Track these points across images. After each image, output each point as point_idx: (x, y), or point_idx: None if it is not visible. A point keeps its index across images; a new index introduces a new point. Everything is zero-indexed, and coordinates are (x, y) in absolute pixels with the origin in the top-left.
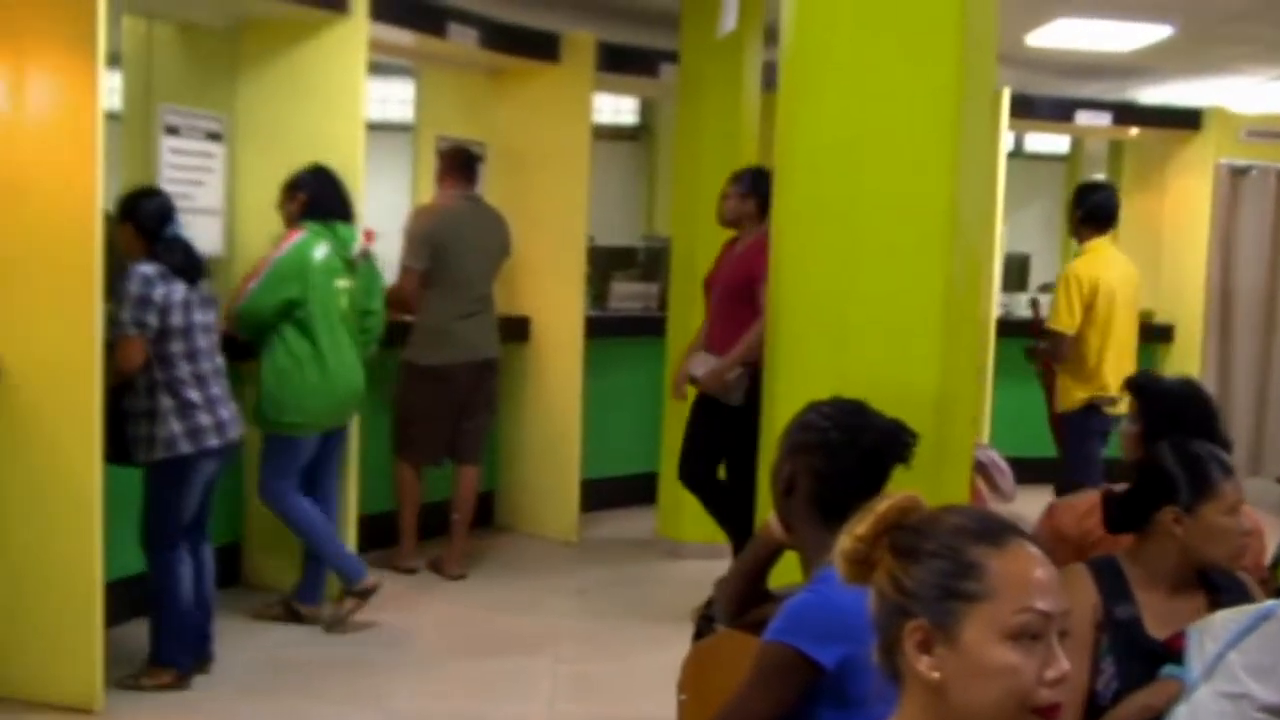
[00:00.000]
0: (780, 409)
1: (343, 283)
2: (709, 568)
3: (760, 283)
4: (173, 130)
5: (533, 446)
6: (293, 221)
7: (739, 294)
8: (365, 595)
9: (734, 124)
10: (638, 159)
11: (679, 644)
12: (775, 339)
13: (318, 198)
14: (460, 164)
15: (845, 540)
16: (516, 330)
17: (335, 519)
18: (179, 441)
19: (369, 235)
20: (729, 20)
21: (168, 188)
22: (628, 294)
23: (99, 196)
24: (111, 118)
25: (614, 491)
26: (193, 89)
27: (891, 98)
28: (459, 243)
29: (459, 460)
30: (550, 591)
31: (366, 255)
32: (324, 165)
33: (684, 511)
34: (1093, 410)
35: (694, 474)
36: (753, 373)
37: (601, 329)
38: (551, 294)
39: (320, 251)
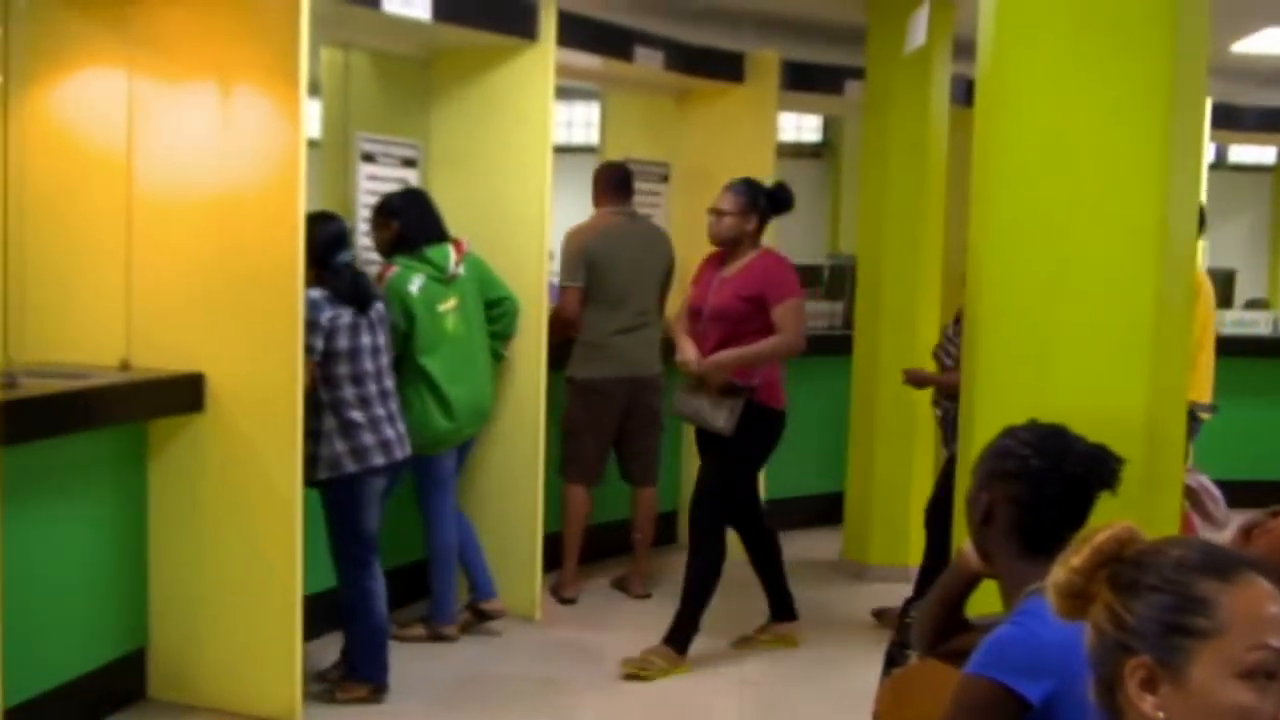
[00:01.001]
0: (978, 434)
1: (446, 305)
2: (895, 590)
3: (776, 304)
4: (369, 157)
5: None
6: (385, 249)
7: (740, 318)
8: (436, 637)
9: (921, 140)
10: (821, 176)
11: (866, 666)
12: (973, 362)
13: (409, 227)
14: (614, 181)
15: (1060, 573)
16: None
17: (469, 526)
18: (343, 461)
19: (460, 246)
20: (918, 35)
21: (364, 213)
22: (812, 313)
23: (301, 222)
24: (311, 145)
25: (799, 512)
26: (388, 117)
27: (1098, 109)
28: (614, 259)
29: (634, 482)
30: (736, 612)
31: (462, 262)
32: (418, 189)
33: (870, 534)
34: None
35: (707, 517)
36: (747, 403)
37: None
38: None
39: (415, 285)
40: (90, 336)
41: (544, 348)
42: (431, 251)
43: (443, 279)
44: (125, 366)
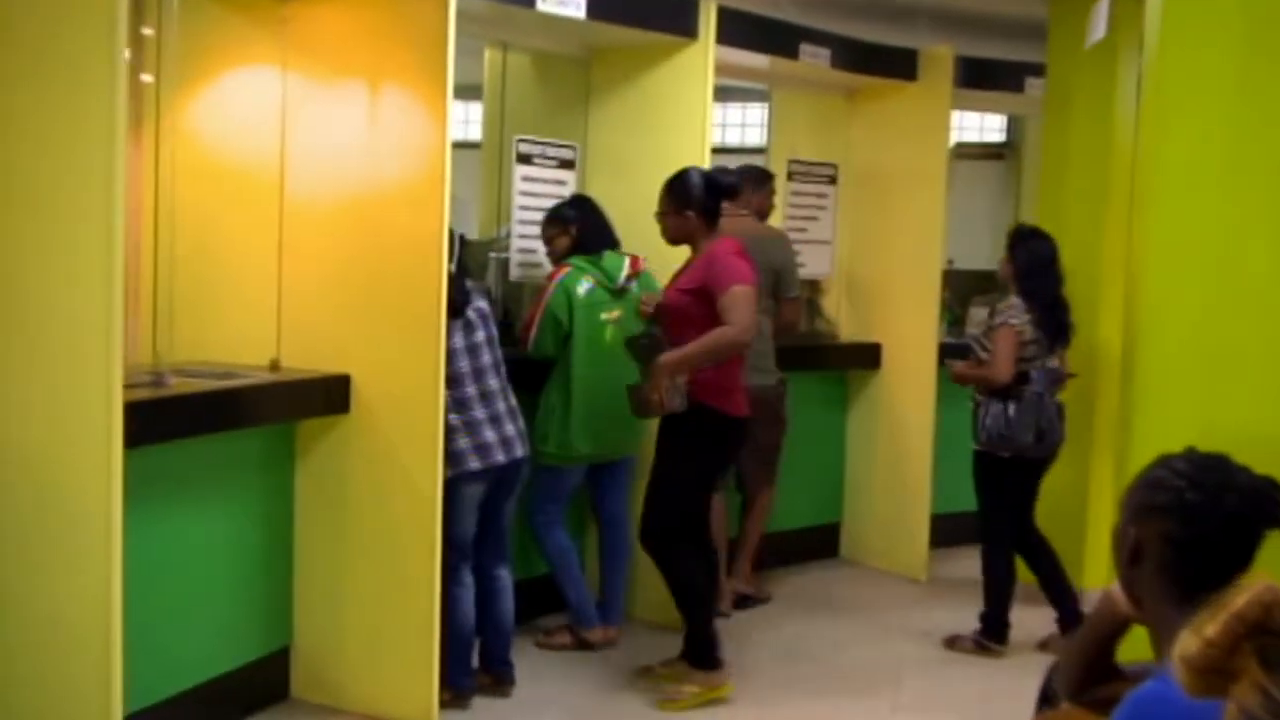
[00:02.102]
0: (1134, 460)
1: (610, 314)
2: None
3: (721, 294)
4: (525, 159)
5: (881, 477)
6: (560, 256)
7: (683, 315)
8: (581, 644)
9: (1105, 139)
10: (1004, 178)
11: (1027, 697)
12: (1131, 381)
13: (586, 231)
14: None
15: (1191, 643)
16: (867, 357)
17: (625, 550)
18: (466, 458)
19: (636, 262)
20: (1099, 27)
21: (520, 214)
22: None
23: (446, 222)
24: (473, 147)
25: (967, 528)
26: (546, 118)
27: (1269, 113)
28: None
29: (744, 493)
30: (894, 631)
31: (636, 278)
32: (587, 196)
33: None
34: None
35: (656, 532)
36: (698, 407)
37: (957, 356)
38: (904, 320)
39: (584, 286)
40: (240, 337)
41: None
42: (606, 259)
43: (612, 288)
44: (275, 367)
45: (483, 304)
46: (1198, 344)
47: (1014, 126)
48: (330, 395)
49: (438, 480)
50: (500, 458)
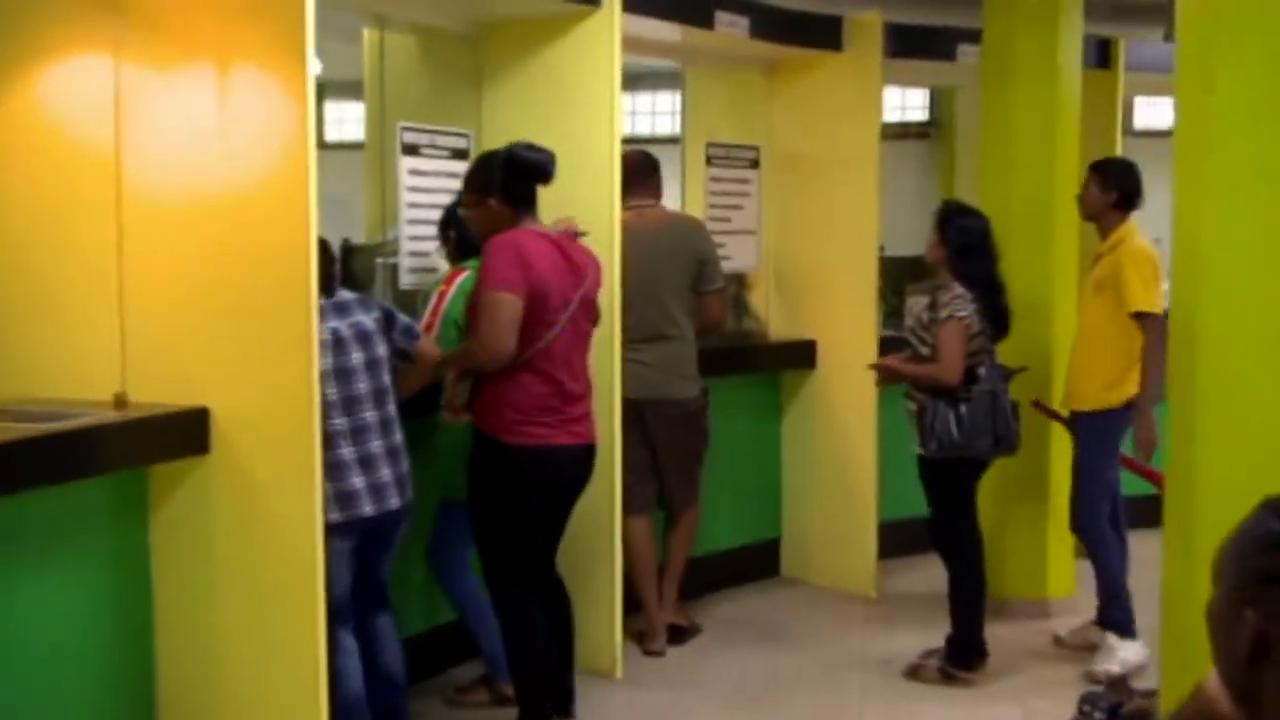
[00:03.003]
0: (1206, 483)
1: None
2: (1038, 630)
3: (478, 297)
4: (412, 149)
5: (822, 486)
6: (453, 260)
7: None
8: (498, 699)
9: (1050, 109)
10: (930, 158)
11: None
12: (1192, 385)
13: (468, 235)
14: (631, 171)
15: None
16: (800, 356)
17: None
18: (326, 508)
19: None
20: None
21: (410, 213)
22: None
23: (313, 224)
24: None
25: (916, 536)
26: (434, 104)
27: None
28: (626, 264)
29: (667, 511)
30: (849, 661)
31: None
32: None
33: (1004, 561)
34: None
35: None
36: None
37: (896, 351)
38: (840, 313)
39: None
40: (76, 368)
41: (616, 362)
42: None
43: None
44: (120, 403)
45: (363, 319)
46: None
47: (938, 103)
48: (187, 433)
49: (316, 530)
50: (367, 509)
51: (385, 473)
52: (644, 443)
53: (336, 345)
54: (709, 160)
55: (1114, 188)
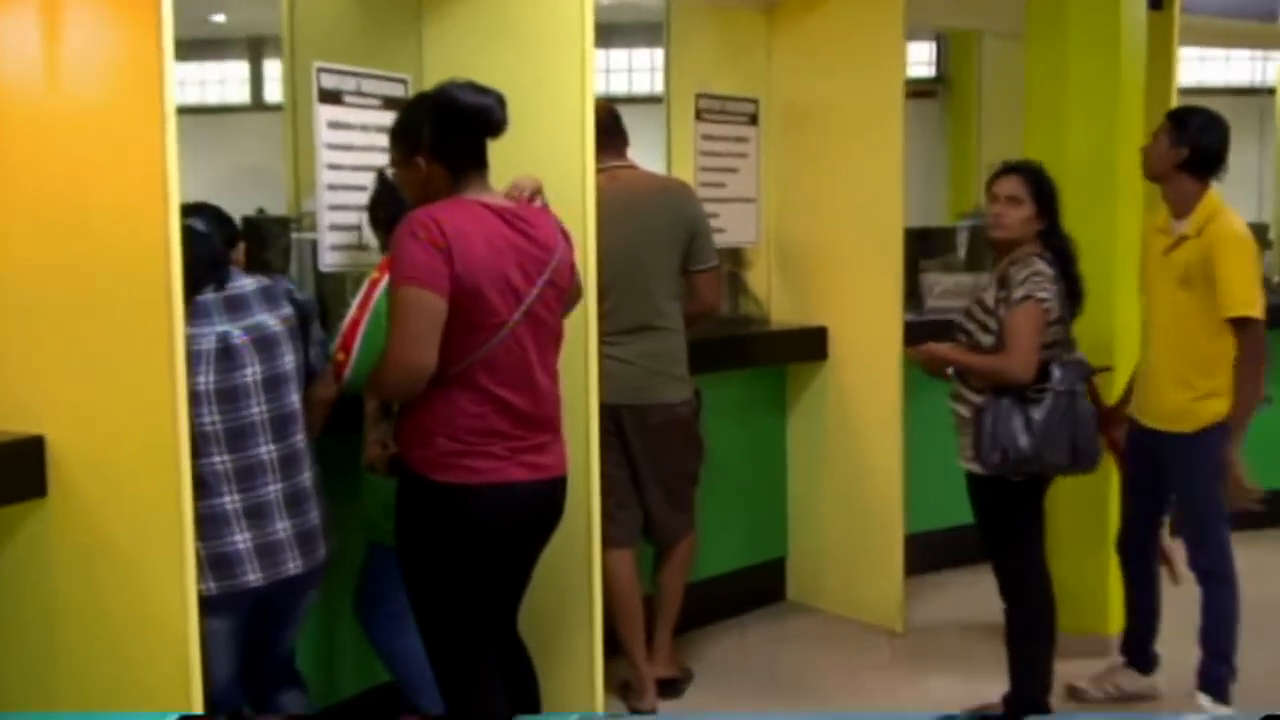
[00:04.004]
0: None
1: None
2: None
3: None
4: (332, 96)
5: (835, 497)
6: (388, 242)
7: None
8: None
9: (1111, 56)
10: (937, 118)
11: None
12: None
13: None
14: (599, 127)
15: None
16: (809, 345)
17: None
18: (201, 574)
19: None
20: None
21: (329, 176)
22: (948, 290)
23: (174, 197)
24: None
25: (944, 549)
26: (367, 41)
27: None
28: (601, 238)
29: (655, 542)
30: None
31: None
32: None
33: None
34: None
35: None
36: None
37: (919, 338)
38: (856, 296)
39: None
40: None
41: (591, 361)
42: None
43: None
44: None
45: (265, 319)
46: None
47: (945, 57)
48: (16, 471)
49: (187, 605)
50: (253, 577)
51: (282, 527)
52: (624, 459)
53: (223, 356)
54: (699, 115)
55: (1187, 143)
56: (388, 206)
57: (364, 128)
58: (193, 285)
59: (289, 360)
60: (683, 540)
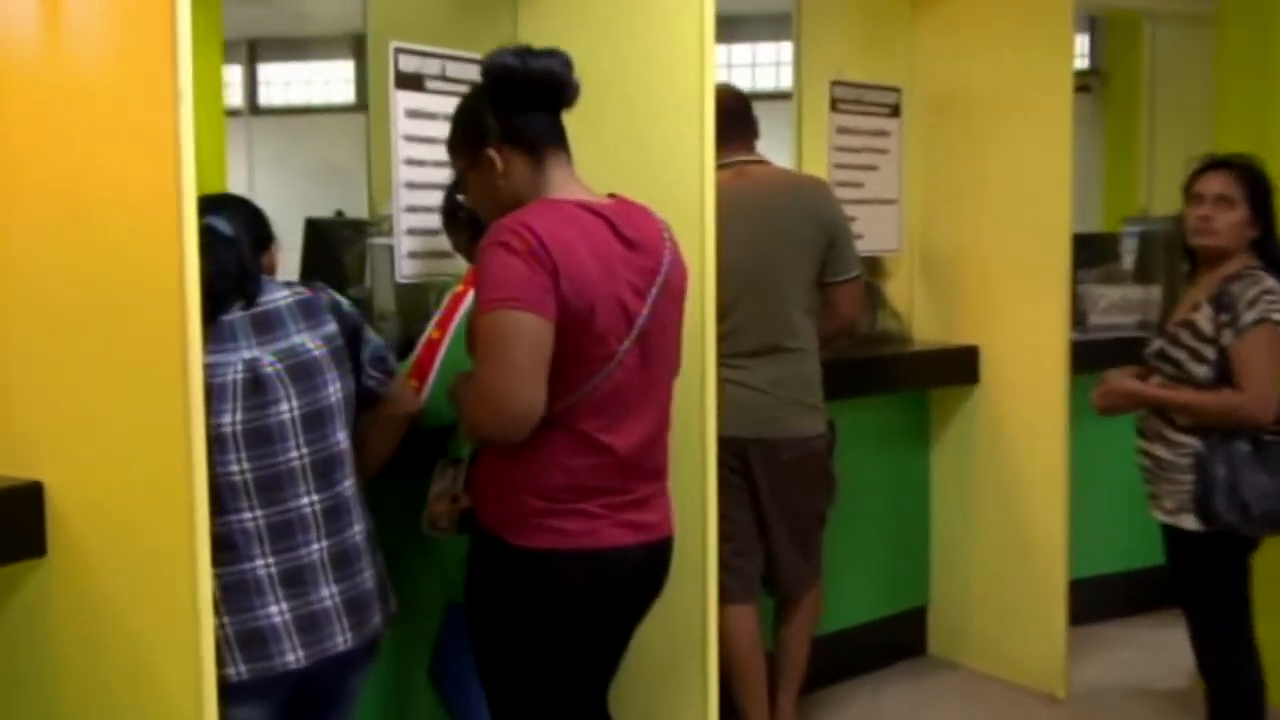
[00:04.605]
0: None
1: None
2: None
3: (477, 319)
4: (411, 81)
5: (986, 541)
6: (465, 250)
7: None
8: None
9: None
10: (1092, 115)
11: None
12: None
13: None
14: (725, 114)
15: None
16: (959, 367)
17: None
18: (222, 657)
19: None
20: None
21: (407, 173)
22: (1114, 304)
23: (192, 203)
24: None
25: (1112, 595)
26: (452, 20)
27: None
28: (723, 246)
29: (778, 594)
30: None
31: None
32: None
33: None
34: None
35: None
36: (482, 536)
37: (1084, 360)
38: (1013, 310)
39: None
40: None
41: (709, 388)
42: None
43: None
44: None
45: (302, 341)
46: None
47: (1099, 49)
48: (13, 525)
49: (206, 694)
50: (292, 656)
51: (328, 594)
52: (749, 501)
53: (252, 389)
54: (834, 105)
55: None
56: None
57: (449, 117)
58: (215, 301)
59: (333, 390)
60: (809, 591)
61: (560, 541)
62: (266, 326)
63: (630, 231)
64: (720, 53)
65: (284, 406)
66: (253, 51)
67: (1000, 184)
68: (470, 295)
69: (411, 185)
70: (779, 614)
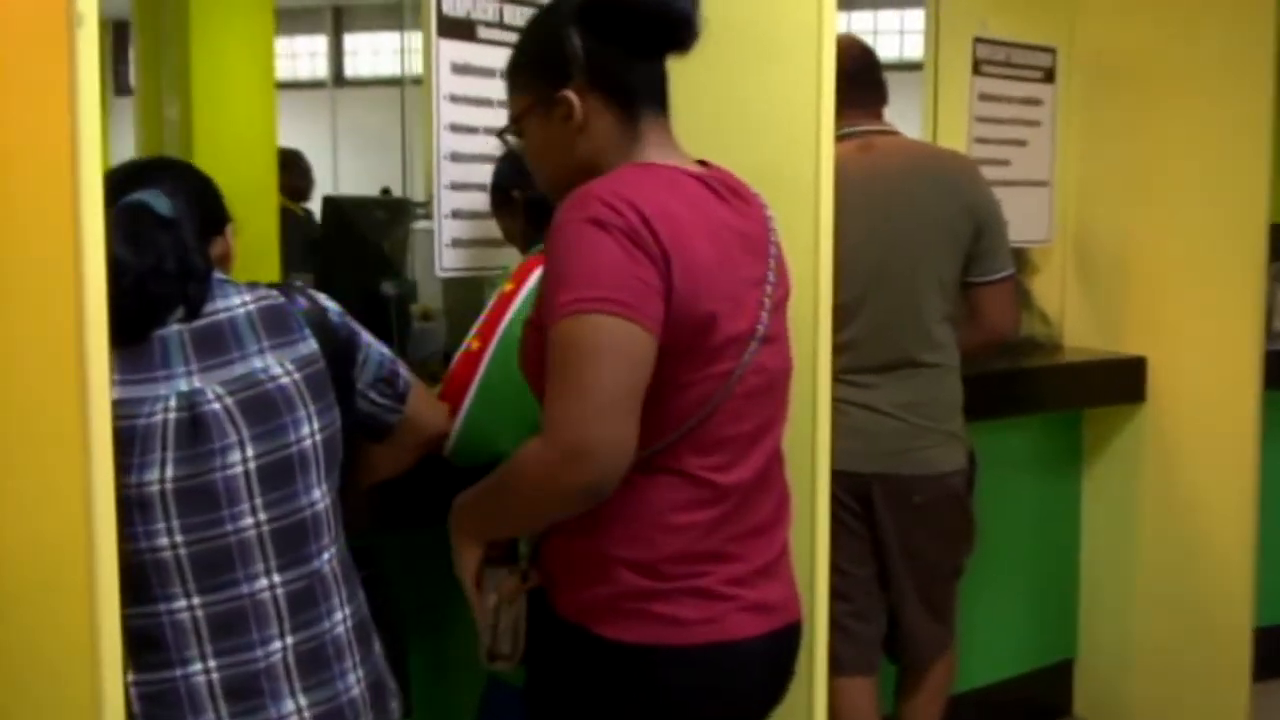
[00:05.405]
0: None
1: None
2: None
3: (549, 327)
4: (461, 29)
5: (1151, 583)
6: (518, 238)
7: (538, 376)
8: None
9: None
10: None
11: None
12: None
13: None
14: (848, 74)
15: None
16: (1122, 382)
17: None
18: None
19: None
20: None
21: (450, 146)
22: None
23: (94, 168)
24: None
25: None
26: None
27: None
28: (843, 235)
29: (902, 661)
30: None
31: None
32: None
33: None
34: None
35: None
36: (554, 623)
37: (1276, 374)
38: (1190, 315)
39: None
40: None
41: (823, 412)
42: None
43: None
44: None
45: (265, 363)
46: None
47: None
48: None
49: None
50: None
51: (293, 708)
52: (870, 551)
53: (190, 431)
54: (977, 67)
55: None
56: (526, 175)
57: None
58: (145, 310)
59: (307, 432)
60: (941, 658)
61: (669, 636)
62: (213, 345)
63: (739, 205)
64: (839, 21)
65: (234, 457)
66: (338, 20)
67: (1179, 165)
68: (521, 295)
69: (456, 157)
70: (902, 684)
